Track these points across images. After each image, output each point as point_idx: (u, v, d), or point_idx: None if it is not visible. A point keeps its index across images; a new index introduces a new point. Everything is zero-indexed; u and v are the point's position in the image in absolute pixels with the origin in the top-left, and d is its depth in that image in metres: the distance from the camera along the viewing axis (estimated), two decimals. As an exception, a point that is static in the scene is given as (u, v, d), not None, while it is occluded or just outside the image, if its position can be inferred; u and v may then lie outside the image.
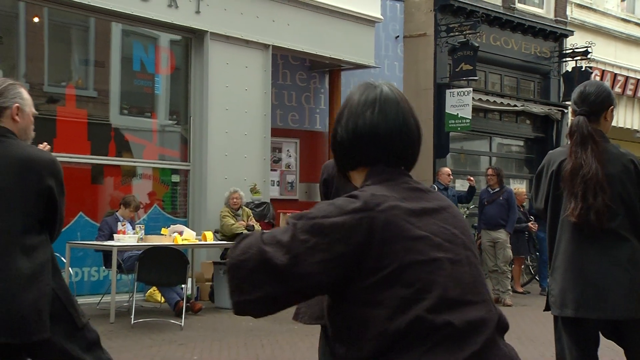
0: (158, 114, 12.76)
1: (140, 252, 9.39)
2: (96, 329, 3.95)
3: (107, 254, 9.84)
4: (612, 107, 4.28)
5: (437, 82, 16.47)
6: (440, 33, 16.51)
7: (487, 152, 18.81)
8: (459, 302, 1.92)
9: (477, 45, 15.96)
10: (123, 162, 12.00)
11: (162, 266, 9.26)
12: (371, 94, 2.13)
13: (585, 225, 4.07)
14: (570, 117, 18.88)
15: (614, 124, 4.39)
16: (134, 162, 12.14)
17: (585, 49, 18.69)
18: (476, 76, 16.18)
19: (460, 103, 15.82)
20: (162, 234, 10.33)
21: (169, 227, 10.62)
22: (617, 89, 20.21)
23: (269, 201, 12.50)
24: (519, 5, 18.59)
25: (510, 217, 12.44)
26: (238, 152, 12.32)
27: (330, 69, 14.74)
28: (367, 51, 14.41)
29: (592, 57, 18.92)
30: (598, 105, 4.23)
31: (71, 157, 10.55)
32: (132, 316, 9.16)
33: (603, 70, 20.13)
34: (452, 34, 16.38)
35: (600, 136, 4.17)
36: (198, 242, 10.50)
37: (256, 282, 1.94)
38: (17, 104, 3.71)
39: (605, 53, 20.28)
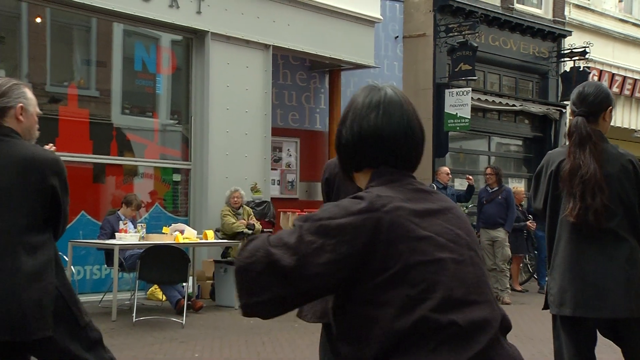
0: (159, 113, 12.76)
1: (141, 250, 9.39)
2: (99, 327, 3.95)
3: (109, 253, 9.85)
4: (610, 107, 4.28)
5: (436, 82, 16.47)
6: (439, 33, 16.51)
7: (485, 151, 18.81)
8: (463, 301, 1.93)
9: (476, 45, 15.96)
10: (125, 161, 12.00)
11: (163, 264, 9.27)
12: (375, 97, 2.13)
13: (584, 225, 4.07)
14: (568, 117, 18.88)
15: (611, 123, 4.39)
16: (136, 161, 12.14)
17: (583, 49, 18.70)
18: (475, 76, 16.18)
19: (459, 103, 15.82)
20: (164, 233, 10.33)
21: (170, 225, 10.62)
22: (615, 89, 20.20)
23: (269, 200, 12.50)
24: (517, 6, 18.58)
25: (508, 216, 12.44)
26: (239, 152, 12.32)
27: (330, 69, 14.73)
28: (367, 51, 14.41)
29: (590, 57, 18.92)
30: (597, 106, 4.23)
31: (73, 156, 10.54)
32: (134, 314, 9.16)
33: (601, 70, 20.14)
34: (451, 34, 16.38)
35: (599, 137, 4.17)
36: (199, 241, 10.50)
37: (264, 284, 1.95)
38: (21, 104, 3.71)
39: (603, 53, 20.28)
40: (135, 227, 10.07)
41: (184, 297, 9.63)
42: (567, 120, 18.91)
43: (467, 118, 15.74)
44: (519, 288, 13.69)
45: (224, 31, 12.20)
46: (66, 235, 3.91)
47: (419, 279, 1.90)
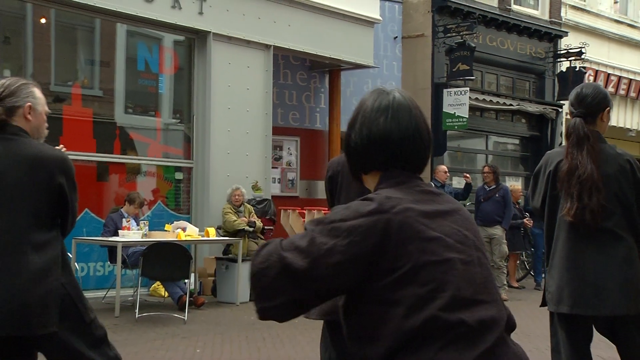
0: (162, 112, 12.75)
1: (144, 247, 9.39)
2: (103, 324, 3.94)
3: (112, 250, 9.85)
4: (608, 108, 4.28)
5: (434, 82, 16.45)
6: (437, 34, 16.49)
7: (483, 150, 18.79)
8: (471, 301, 1.94)
9: (473, 45, 15.94)
10: (128, 159, 11.99)
11: (165, 261, 9.26)
12: (384, 101, 2.14)
13: (581, 224, 4.08)
14: (565, 117, 18.90)
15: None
16: (139, 159, 12.13)
17: (579, 49, 18.68)
18: (473, 76, 16.16)
19: (457, 102, 15.81)
20: (166, 230, 10.33)
21: (173, 223, 10.62)
22: (610, 89, 20.19)
23: (270, 198, 12.50)
24: (514, 7, 18.57)
25: (506, 213, 12.43)
26: (240, 150, 12.31)
27: (330, 69, 14.72)
28: (366, 51, 14.39)
29: (586, 57, 18.90)
30: (594, 107, 4.23)
31: (77, 155, 10.52)
32: (137, 310, 9.16)
33: (596, 71, 20.13)
34: (449, 34, 16.36)
35: (597, 137, 4.17)
36: (201, 238, 10.49)
37: (278, 288, 1.96)
38: (29, 103, 3.71)
39: (598, 53, 20.27)
40: (138, 225, 10.07)
41: (185, 294, 9.62)
42: (564, 120, 18.93)
43: (464, 117, 15.73)
44: (515, 285, 13.68)
45: (225, 31, 12.19)
46: (70, 232, 3.90)
47: (429, 278, 1.91)
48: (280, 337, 8.27)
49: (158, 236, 9.96)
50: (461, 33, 16.14)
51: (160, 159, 12.35)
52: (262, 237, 11.68)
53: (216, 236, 10.89)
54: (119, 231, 9.80)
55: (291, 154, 14.81)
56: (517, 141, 19.57)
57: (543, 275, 13.73)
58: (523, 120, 19.15)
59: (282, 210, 12.87)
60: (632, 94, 21.46)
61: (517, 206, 13.61)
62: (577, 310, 4.09)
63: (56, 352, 3.70)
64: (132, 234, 9.69)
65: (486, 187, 12.80)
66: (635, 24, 22.49)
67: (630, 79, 21.41)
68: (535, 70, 19.18)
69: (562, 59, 19.18)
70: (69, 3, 10.72)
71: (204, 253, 11.73)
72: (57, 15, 11.27)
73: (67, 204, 3.71)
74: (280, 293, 1.96)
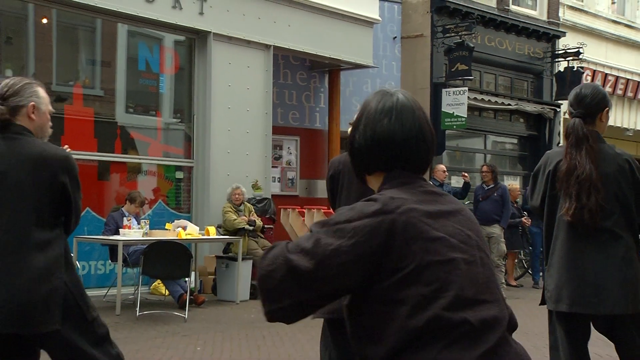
0: (162, 112, 12.74)
1: (145, 246, 9.38)
2: (105, 322, 3.94)
3: (113, 248, 9.84)
4: (607, 108, 4.28)
5: (433, 82, 16.44)
6: (436, 34, 16.48)
7: (481, 149, 18.79)
8: (474, 300, 1.95)
9: (472, 45, 15.94)
10: (128, 159, 11.98)
11: (166, 260, 9.25)
12: (388, 102, 2.14)
13: (580, 224, 4.08)
14: (562, 117, 18.89)
15: (604, 123, 4.40)
16: (139, 159, 12.13)
17: (577, 49, 18.67)
18: (471, 76, 16.15)
19: (456, 102, 15.80)
20: (167, 229, 10.32)
21: (173, 222, 10.62)
22: (608, 89, 20.17)
23: (270, 197, 12.49)
24: (513, 7, 18.56)
25: (504, 212, 12.42)
26: (240, 150, 12.31)
27: (330, 69, 14.71)
28: (366, 51, 14.39)
29: (584, 57, 18.90)
30: (594, 107, 4.23)
31: (78, 154, 10.49)
32: (138, 308, 9.15)
33: (594, 71, 20.12)
34: (448, 34, 16.35)
35: (596, 137, 4.18)
36: (201, 237, 10.49)
37: (285, 290, 1.97)
38: (32, 103, 3.71)
39: (596, 53, 20.27)
40: (138, 224, 10.06)
41: (186, 292, 9.62)
42: (562, 120, 18.92)
43: (463, 117, 15.72)
44: (513, 283, 13.68)
45: (225, 32, 12.18)
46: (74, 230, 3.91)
47: (433, 278, 1.92)
48: (280, 336, 8.27)
49: (159, 235, 9.95)
50: (460, 33, 16.14)
51: (161, 158, 12.34)
52: (262, 235, 11.67)
53: (216, 235, 10.88)
54: (120, 230, 9.79)
55: (291, 153, 14.80)
56: (515, 140, 19.57)
57: (541, 274, 13.81)
58: (521, 120, 19.14)
59: (281, 209, 12.87)
60: (630, 94, 21.45)
61: (515, 205, 13.61)
62: (576, 308, 4.09)
63: (59, 350, 3.70)
64: (133, 232, 9.68)
65: (484, 186, 12.79)
66: (633, 25, 22.48)
67: (628, 79, 21.41)
68: (533, 70, 19.18)
69: (560, 59, 19.17)
70: (70, 3, 10.71)
71: (204, 252, 11.73)
72: (59, 15, 11.26)
73: (71, 203, 3.71)
74: (287, 295, 1.97)
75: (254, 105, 12.62)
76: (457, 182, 15.74)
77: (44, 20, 11.26)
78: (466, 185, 13.21)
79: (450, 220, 2.03)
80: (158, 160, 12.27)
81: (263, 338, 8.15)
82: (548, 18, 19.33)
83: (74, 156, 3.87)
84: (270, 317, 2.03)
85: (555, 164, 4.22)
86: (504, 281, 12.39)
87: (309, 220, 12.44)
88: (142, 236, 9.71)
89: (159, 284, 10.86)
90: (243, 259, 10.69)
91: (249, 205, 11.65)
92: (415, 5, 16.67)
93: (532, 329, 8.58)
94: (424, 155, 2.15)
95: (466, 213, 2.12)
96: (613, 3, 21.99)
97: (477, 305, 1.94)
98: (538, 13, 19.30)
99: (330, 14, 13.60)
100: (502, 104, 17.71)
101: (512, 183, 15.63)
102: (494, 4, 17.98)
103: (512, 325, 2.06)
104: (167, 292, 10.28)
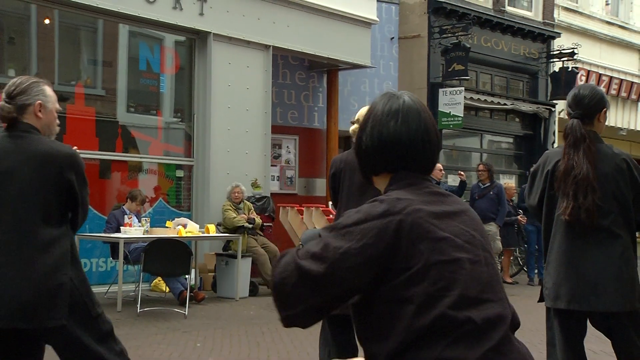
0: (163, 111, 12.73)
1: (146, 244, 9.37)
2: (110, 318, 3.93)
3: (114, 246, 9.83)
4: (605, 109, 4.30)
5: (430, 82, 16.43)
6: (433, 35, 16.47)
7: (478, 148, 18.79)
8: (478, 299, 1.96)
9: (468, 46, 15.93)
10: (129, 157, 11.97)
11: (166, 257, 9.24)
12: (394, 105, 2.16)
13: (577, 223, 4.09)
14: (557, 116, 18.90)
15: (599, 122, 4.39)
16: (140, 157, 12.11)
17: (571, 50, 18.66)
18: (468, 76, 16.15)
19: (453, 102, 15.79)
20: (167, 227, 10.30)
21: (174, 220, 10.60)
22: (602, 89, 20.10)
23: (269, 195, 12.47)
24: (508, 8, 18.56)
25: (500, 210, 12.43)
26: (240, 149, 12.29)
27: (328, 69, 14.69)
28: (364, 52, 14.37)
29: (578, 58, 18.90)
30: (592, 108, 4.24)
31: (80, 152, 10.49)
32: (138, 305, 9.14)
33: (588, 71, 20.12)
34: (444, 35, 16.34)
35: (594, 137, 4.19)
36: (201, 235, 10.48)
37: (298, 295, 1.99)
38: (39, 101, 3.72)
39: (590, 54, 20.27)
40: (139, 221, 10.04)
41: (186, 289, 9.61)
42: (557, 119, 18.93)
43: (460, 116, 15.72)
44: (509, 280, 13.66)
45: (225, 32, 12.17)
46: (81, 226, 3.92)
47: (438, 277, 1.93)
48: (279, 332, 8.25)
49: (159, 233, 9.94)
50: (456, 34, 16.13)
51: (162, 157, 12.33)
52: (261, 233, 11.66)
53: (216, 233, 10.87)
54: (121, 228, 9.78)
55: (290, 152, 14.79)
56: (511, 140, 19.56)
57: (536, 271, 13.81)
58: (517, 120, 19.14)
59: (280, 208, 12.86)
60: (623, 94, 21.46)
61: (511, 203, 13.59)
62: (574, 306, 4.10)
63: (64, 346, 3.70)
64: (134, 230, 9.67)
65: (481, 184, 12.79)
66: (626, 25, 22.48)
67: (622, 79, 21.41)
68: (529, 71, 19.17)
69: (555, 60, 19.16)
70: (72, 4, 10.69)
71: (204, 249, 11.72)
72: (61, 16, 11.24)
73: (77, 200, 3.72)
74: (301, 300, 1.99)
75: (254, 105, 12.60)
76: (453, 180, 15.73)
77: (47, 21, 11.24)
78: (462, 183, 13.20)
79: (456, 220, 2.04)
80: (159, 159, 12.26)
81: (262, 334, 8.14)
82: (543, 19, 19.32)
83: (77, 155, 3.86)
84: (286, 323, 2.05)
85: (554, 164, 4.23)
86: (499, 278, 12.37)
87: (308, 218, 12.43)
88: (143, 234, 9.69)
89: (159, 281, 10.84)
90: (242, 256, 10.68)
91: (248, 203, 11.64)
92: (413, 6, 16.65)
93: (528, 326, 8.57)
94: (429, 157, 2.16)
95: (471, 213, 2.13)
96: (607, 4, 21.99)
97: (481, 304, 1.95)
98: (533, 14, 19.30)
99: (328, 14, 13.58)
100: (498, 103, 17.70)
101: (508, 182, 15.61)
102: (490, 5, 17.97)
103: (515, 324, 2.07)
104: (167, 289, 10.27)
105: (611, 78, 20.97)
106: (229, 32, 12.21)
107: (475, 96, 17.09)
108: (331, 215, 12.42)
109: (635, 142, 22.97)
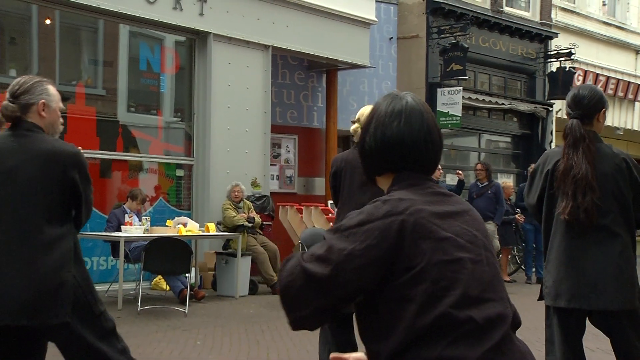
0: (163, 111, 12.72)
1: (146, 242, 9.36)
2: (112, 316, 3.94)
3: (115, 245, 9.82)
4: (604, 109, 4.30)
5: (429, 82, 16.43)
6: (432, 35, 16.47)
7: (476, 148, 18.79)
8: (479, 299, 1.96)
9: (466, 46, 15.93)
10: (130, 157, 11.96)
11: (167, 256, 9.24)
12: (397, 106, 2.16)
13: (576, 222, 4.09)
14: (555, 116, 18.90)
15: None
16: (141, 157, 12.10)
17: (569, 50, 18.66)
18: (466, 76, 16.15)
19: (451, 101, 15.79)
20: (167, 226, 10.30)
21: (174, 219, 10.59)
22: (601, 89, 20.15)
23: (268, 194, 12.47)
24: (506, 9, 18.55)
25: (498, 209, 12.43)
26: (239, 148, 12.28)
27: (327, 69, 14.68)
28: (363, 52, 14.36)
29: (575, 58, 18.90)
30: (591, 108, 4.25)
31: (81, 152, 10.50)
32: (139, 303, 9.14)
33: (585, 71, 20.12)
34: (443, 35, 16.35)
35: (593, 137, 4.20)
36: (201, 233, 10.47)
37: (305, 298, 2.00)
38: (43, 100, 3.73)
39: (587, 54, 20.27)
40: (140, 220, 10.04)
41: (186, 287, 9.60)
42: (554, 119, 18.93)
43: (458, 116, 15.71)
44: (507, 278, 13.66)
45: (225, 32, 12.16)
46: (85, 224, 3.93)
47: (440, 276, 1.93)
48: (279, 330, 8.26)
49: (160, 231, 9.93)
50: (454, 34, 16.13)
51: (162, 156, 12.32)
52: (261, 232, 11.66)
53: (216, 231, 10.87)
54: (122, 226, 9.78)
55: (289, 152, 14.78)
56: (508, 139, 19.57)
57: (533, 270, 13.82)
58: (514, 119, 19.14)
59: (280, 206, 12.85)
60: (620, 94, 21.46)
61: (508, 202, 13.60)
62: (575, 304, 4.12)
63: (67, 343, 3.71)
64: (135, 229, 9.67)
65: (479, 183, 12.79)
66: (623, 26, 22.48)
67: (618, 79, 21.41)
68: (527, 71, 19.17)
69: (552, 60, 19.16)
70: (73, 4, 10.68)
71: (204, 248, 11.71)
72: (62, 16, 11.23)
73: (81, 198, 3.73)
74: (308, 302, 2.00)
75: (253, 105, 12.60)
76: (451, 179, 15.74)
77: (47, 21, 11.23)
78: (461, 182, 13.20)
79: (458, 220, 2.05)
80: (159, 158, 12.25)
81: (262, 332, 8.14)
82: (541, 19, 19.32)
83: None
84: (294, 326, 2.06)
85: (554, 164, 4.24)
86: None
87: (307, 217, 12.43)
88: (144, 233, 9.69)
89: (159, 279, 10.84)
90: (242, 255, 10.68)
91: (248, 202, 11.63)
92: (411, 7, 16.65)
93: (525, 324, 8.54)
94: (432, 157, 2.16)
95: (473, 213, 2.13)
96: (604, 5, 21.99)
97: (482, 303, 1.95)
98: (531, 14, 19.29)
99: (327, 15, 13.58)
100: (496, 103, 17.71)
101: (506, 181, 15.62)
102: (488, 5, 17.97)
103: (516, 323, 2.08)
104: (167, 288, 10.26)
105: (608, 78, 20.97)
106: (228, 32, 12.20)
107: (474, 96, 17.10)
108: (330, 214, 12.42)
109: (632, 142, 22.97)
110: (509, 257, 14.39)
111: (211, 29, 11.98)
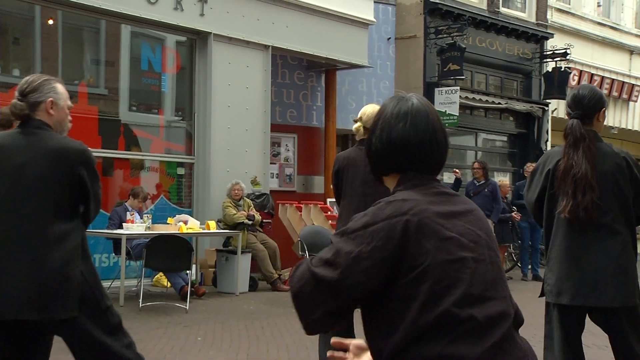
0: (164, 110, 12.71)
1: (147, 240, 9.37)
2: (118, 312, 3.94)
3: (116, 242, 9.81)
4: (604, 108, 4.32)
5: (426, 81, 16.42)
6: (429, 35, 16.46)
7: (473, 146, 18.79)
8: (481, 298, 1.96)
9: (464, 46, 15.92)
10: (132, 155, 11.95)
11: (168, 253, 9.24)
12: (403, 107, 2.16)
13: (576, 220, 4.10)
14: (550, 115, 18.90)
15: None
16: (142, 155, 12.10)
17: (564, 50, 18.66)
18: (463, 75, 16.14)
19: (448, 101, 15.78)
20: (168, 223, 10.30)
21: (175, 216, 10.60)
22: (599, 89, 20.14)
23: (268, 192, 12.47)
24: (503, 10, 18.55)
25: (495, 207, 12.42)
26: (239, 147, 12.28)
27: (326, 69, 14.67)
28: (361, 52, 14.36)
29: (571, 58, 18.90)
30: (591, 108, 4.26)
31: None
32: (140, 300, 9.14)
33: (581, 71, 20.12)
34: (440, 36, 16.33)
35: (593, 136, 4.22)
36: (202, 231, 10.47)
37: (316, 302, 2.01)
38: (51, 98, 3.74)
39: (582, 54, 20.27)
40: (141, 218, 10.04)
41: (187, 284, 9.60)
42: (550, 118, 18.93)
43: (455, 115, 15.71)
44: (503, 275, 13.66)
45: (225, 32, 12.15)
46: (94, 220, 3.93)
47: (443, 275, 1.94)
48: (279, 326, 8.26)
49: (161, 229, 9.93)
50: (452, 34, 16.12)
51: (163, 154, 12.31)
52: (261, 230, 11.66)
53: (216, 229, 10.87)
54: (124, 224, 9.77)
55: (289, 150, 14.77)
56: (505, 138, 19.57)
57: (529, 267, 13.82)
58: (511, 118, 19.14)
59: (279, 204, 12.84)
60: (615, 94, 21.46)
61: (505, 201, 13.59)
62: (577, 301, 4.13)
63: (73, 338, 3.71)
64: (136, 226, 9.66)
65: (476, 182, 12.78)
66: (617, 27, 22.48)
67: (613, 79, 21.42)
68: (523, 70, 19.17)
69: (548, 60, 19.16)
70: (75, 5, 10.66)
71: (205, 245, 11.71)
72: (64, 17, 11.22)
73: (89, 194, 3.73)
74: (319, 306, 2.01)
75: (253, 104, 12.59)
76: (449, 178, 15.72)
77: (50, 22, 11.22)
78: (457, 181, 13.17)
79: (461, 220, 2.05)
80: (160, 156, 12.24)
81: (262, 329, 8.14)
82: (537, 20, 19.31)
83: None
84: (309, 331, 2.08)
85: (555, 163, 4.25)
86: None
87: (306, 214, 12.43)
88: (145, 230, 9.69)
89: (161, 276, 10.83)
90: (242, 252, 10.67)
91: (248, 200, 11.63)
92: (409, 7, 16.64)
93: (521, 320, 8.58)
94: (437, 158, 2.16)
95: (477, 213, 2.14)
96: (599, 6, 21.99)
97: (484, 302, 1.96)
98: (527, 15, 19.29)
99: (326, 15, 13.57)
100: (493, 102, 17.70)
101: (502, 179, 15.61)
102: (484, 6, 17.96)
103: (518, 321, 2.09)
104: (169, 284, 10.27)
105: (603, 78, 20.97)
106: (229, 32, 12.19)
107: (470, 95, 17.09)
108: (329, 212, 12.42)
109: (627, 141, 22.97)
110: (505, 254, 14.39)
111: (211, 29, 11.97)
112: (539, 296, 4.43)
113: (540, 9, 19.41)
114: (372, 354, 2.03)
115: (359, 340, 2.10)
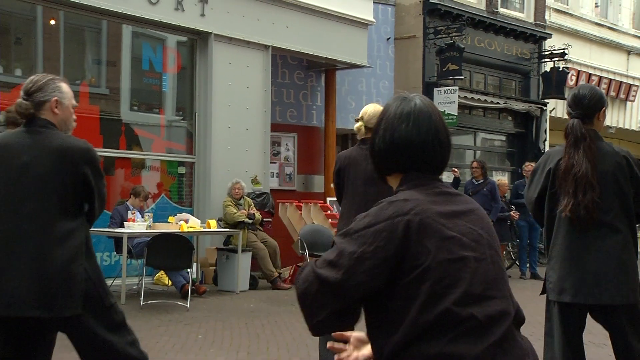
0: (165, 110, 12.70)
1: (149, 238, 9.36)
2: (122, 309, 3.94)
3: (118, 240, 9.81)
4: (604, 108, 4.32)
5: (425, 81, 16.41)
6: (428, 35, 16.44)
7: (471, 146, 18.77)
8: (482, 297, 1.96)
9: (462, 46, 15.91)
10: (133, 155, 11.95)
11: (169, 252, 9.23)
12: (406, 108, 2.16)
13: (577, 219, 4.11)
14: (548, 115, 18.90)
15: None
16: (143, 155, 12.10)
17: (562, 50, 18.64)
18: (462, 75, 16.13)
19: (447, 100, 15.77)
20: (169, 222, 10.30)
21: (176, 215, 10.60)
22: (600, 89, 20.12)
23: (268, 191, 12.46)
24: (501, 10, 18.53)
25: (493, 206, 12.42)
26: (240, 146, 12.27)
27: (326, 68, 14.66)
28: (361, 52, 14.35)
29: (569, 58, 18.88)
30: (591, 107, 4.26)
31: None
32: (142, 298, 9.14)
33: (579, 71, 20.11)
34: (439, 36, 16.32)
35: (594, 136, 4.22)
36: (202, 230, 10.47)
37: (321, 303, 2.02)
38: (55, 98, 3.76)
39: (580, 54, 20.26)
40: (142, 217, 10.04)
41: (188, 282, 9.60)
42: (548, 117, 18.92)
43: (454, 115, 15.70)
44: (502, 274, 13.66)
45: (226, 32, 12.14)
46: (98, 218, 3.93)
47: (444, 275, 1.94)
48: (279, 324, 8.25)
49: (162, 228, 9.93)
50: (451, 35, 16.11)
51: (164, 154, 12.31)
52: (261, 228, 11.65)
53: (217, 228, 10.86)
54: (125, 223, 9.77)
55: (289, 150, 14.77)
56: (503, 138, 19.56)
57: (527, 265, 13.82)
58: (509, 118, 19.13)
59: (280, 203, 12.84)
60: (612, 94, 21.45)
61: (503, 200, 13.59)
62: (579, 299, 4.14)
63: (78, 335, 3.71)
64: (137, 225, 9.66)
65: (474, 181, 12.79)
66: (615, 27, 22.47)
67: (610, 79, 21.41)
68: (521, 70, 19.15)
69: (546, 60, 19.14)
70: (77, 5, 10.66)
71: (206, 244, 11.70)
72: (66, 17, 11.21)
73: (93, 193, 3.73)
74: (324, 307, 2.02)
75: (253, 104, 12.58)
76: (447, 177, 15.72)
77: (52, 22, 11.21)
78: (456, 180, 13.19)
79: (463, 219, 2.05)
80: (161, 156, 12.24)
81: (262, 327, 8.13)
82: (535, 20, 19.30)
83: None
84: (314, 332, 2.08)
85: (556, 162, 4.25)
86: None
87: (306, 213, 12.42)
88: (146, 229, 9.69)
89: (162, 274, 10.83)
90: (243, 251, 10.67)
91: (248, 199, 11.63)
92: (408, 8, 16.62)
93: (520, 318, 8.57)
94: (439, 158, 2.16)
95: (479, 212, 2.14)
96: (596, 6, 21.98)
97: (485, 301, 1.96)
98: (525, 15, 19.28)
99: (326, 15, 13.56)
100: (491, 102, 17.69)
101: (501, 178, 15.62)
102: (483, 6, 17.95)
103: (519, 320, 2.08)
104: (170, 283, 10.27)
105: (600, 78, 20.96)
106: (229, 32, 12.18)
107: (469, 95, 17.07)
108: (329, 211, 12.42)
109: (624, 140, 22.96)
110: (504, 253, 14.39)
111: (212, 30, 11.96)
112: (540, 294, 4.43)
113: (539, 9, 19.40)
114: (373, 352, 2.02)
115: (360, 333, 2.10)
